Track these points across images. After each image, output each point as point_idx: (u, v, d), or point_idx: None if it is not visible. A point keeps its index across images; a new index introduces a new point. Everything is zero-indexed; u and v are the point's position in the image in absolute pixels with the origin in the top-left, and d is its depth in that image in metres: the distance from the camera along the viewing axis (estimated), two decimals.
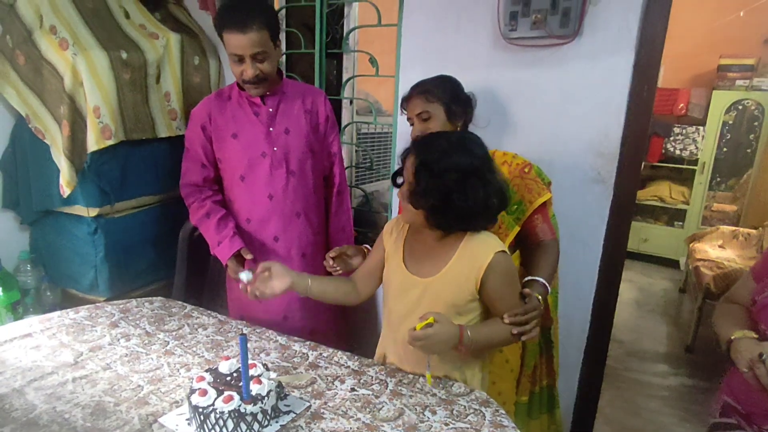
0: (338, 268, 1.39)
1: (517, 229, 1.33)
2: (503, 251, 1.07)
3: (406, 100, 1.36)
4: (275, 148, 1.54)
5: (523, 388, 1.49)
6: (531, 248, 1.33)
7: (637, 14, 1.43)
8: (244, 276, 1.25)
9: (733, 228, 3.65)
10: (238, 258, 1.55)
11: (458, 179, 0.98)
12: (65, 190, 1.71)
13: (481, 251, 1.06)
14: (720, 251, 3.42)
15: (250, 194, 1.58)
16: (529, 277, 1.21)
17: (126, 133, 1.81)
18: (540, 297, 1.13)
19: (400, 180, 1.09)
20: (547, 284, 1.19)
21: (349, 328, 2.04)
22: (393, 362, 1.22)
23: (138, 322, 1.42)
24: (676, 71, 4.30)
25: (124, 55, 1.77)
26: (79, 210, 1.82)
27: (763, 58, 3.96)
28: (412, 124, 1.34)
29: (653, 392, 2.49)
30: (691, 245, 3.58)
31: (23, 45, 1.69)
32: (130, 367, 1.18)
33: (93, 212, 1.81)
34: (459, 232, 1.08)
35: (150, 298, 1.60)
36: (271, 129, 1.54)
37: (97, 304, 1.53)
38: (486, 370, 1.22)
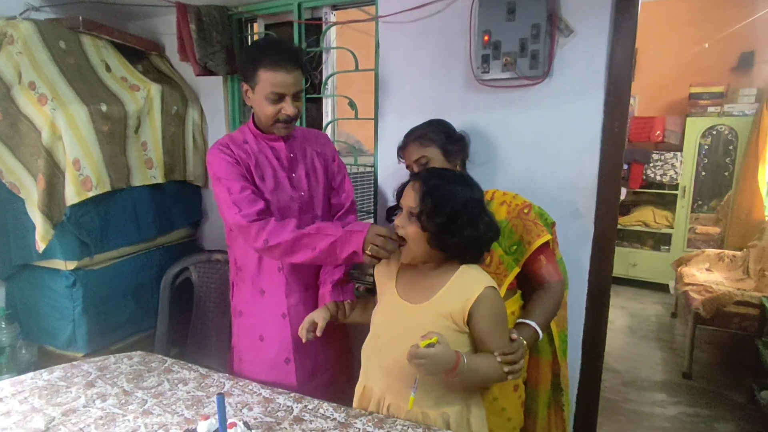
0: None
1: (517, 269, 1.31)
2: (493, 287, 1.08)
3: (403, 149, 1.38)
4: (302, 193, 1.49)
5: None
6: (534, 290, 1.30)
7: (603, 55, 1.49)
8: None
9: (719, 251, 3.69)
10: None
11: (463, 205, 1.05)
12: (40, 245, 1.68)
13: (471, 284, 1.08)
14: (707, 274, 3.45)
15: None
16: (520, 320, 1.20)
17: (111, 183, 1.81)
18: (525, 341, 1.11)
19: (397, 213, 1.13)
20: (538, 328, 1.17)
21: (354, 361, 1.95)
22: (372, 392, 1.19)
23: (116, 380, 1.37)
24: (650, 101, 4.47)
25: (104, 108, 1.78)
26: (57, 264, 1.79)
27: (732, 85, 4.13)
28: (412, 171, 1.35)
29: (655, 423, 2.42)
30: (678, 269, 3.60)
31: (1, 101, 1.70)
32: (105, 430, 1.13)
33: (71, 265, 1.77)
34: (454, 262, 1.11)
35: (129, 353, 1.55)
36: (293, 174, 1.50)
37: (73, 363, 1.47)
38: (476, 414, 1.18)
